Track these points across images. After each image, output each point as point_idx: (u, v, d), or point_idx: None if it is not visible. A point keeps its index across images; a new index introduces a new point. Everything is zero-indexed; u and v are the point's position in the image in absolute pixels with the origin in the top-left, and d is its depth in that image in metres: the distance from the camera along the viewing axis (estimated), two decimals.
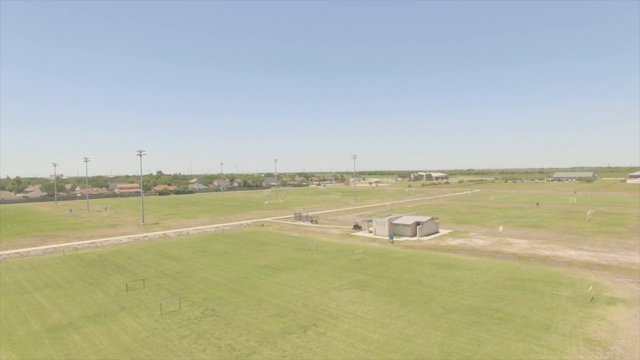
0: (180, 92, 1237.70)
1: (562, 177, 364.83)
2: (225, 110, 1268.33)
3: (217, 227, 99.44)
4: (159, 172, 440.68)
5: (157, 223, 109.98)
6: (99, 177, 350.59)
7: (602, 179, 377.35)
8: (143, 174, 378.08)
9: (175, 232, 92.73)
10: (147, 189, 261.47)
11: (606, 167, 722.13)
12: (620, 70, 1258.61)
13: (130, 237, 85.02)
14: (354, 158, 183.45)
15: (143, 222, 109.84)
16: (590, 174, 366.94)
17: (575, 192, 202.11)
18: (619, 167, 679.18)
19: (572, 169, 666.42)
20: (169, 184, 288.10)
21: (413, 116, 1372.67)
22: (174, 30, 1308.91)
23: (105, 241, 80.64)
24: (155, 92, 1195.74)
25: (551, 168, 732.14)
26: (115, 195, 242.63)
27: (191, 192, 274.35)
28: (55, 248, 74.13)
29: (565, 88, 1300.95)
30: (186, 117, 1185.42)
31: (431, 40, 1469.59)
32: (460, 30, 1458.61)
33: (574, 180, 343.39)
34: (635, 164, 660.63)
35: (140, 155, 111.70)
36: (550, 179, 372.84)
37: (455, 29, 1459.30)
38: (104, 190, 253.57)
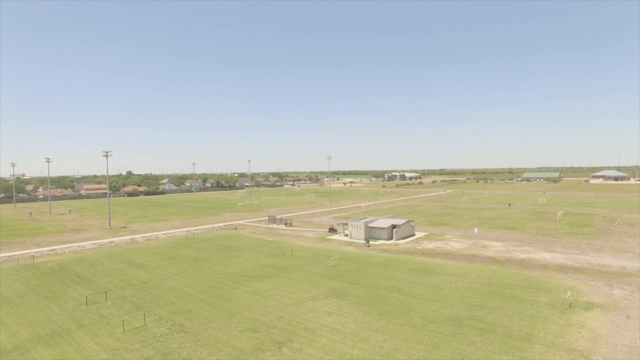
0: (152, 85, 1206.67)
1: (531, 178, 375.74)
2: (197, 107, 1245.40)
3: (187, 231, 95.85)
4: (129, 172, 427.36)
5: (124, 227, 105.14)
6: (64, 177, 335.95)
7: (567, 179, 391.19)
8: (112, 173, 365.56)
9: (143, 236, 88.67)
10: (115, 190, 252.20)
11: (570, 167, 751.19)
12: (584, 67, 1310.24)
13: (95, 243, 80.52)
14: (329, 159, 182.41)
15: (109, 225, 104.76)
16: (557, 174, 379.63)
17: (544, 193, 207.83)
18: (582, 168, 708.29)
19: (539, 169, 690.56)
20: (139, 185, 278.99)
21: (386, 115, 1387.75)
22: (142, 17, 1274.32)
23: (66, 248, 75.90)
24: (125, 84, 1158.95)
25: (519, 168, 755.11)
26: (81, 197, 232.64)
27: (162, 193, 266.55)
28: (8, 257, 68.95)
29: (529, 86, 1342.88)
30: (157, 113, 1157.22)
31: (402, 36, 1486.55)
32: (434, 26, 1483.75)
33: (542, 180, 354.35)
34: (595, 164, 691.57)
35: (107, 156, 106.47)
36: (519, 179, 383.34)
37: (427, 25, 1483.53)
38: (69, 191, 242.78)
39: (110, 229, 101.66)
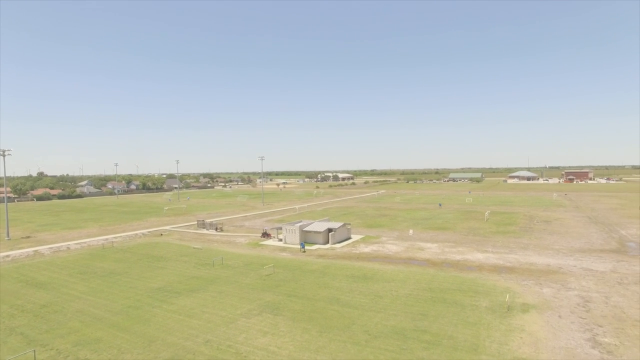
0: (69, 78, 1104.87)
1: (457, 178, 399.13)
2: (123, 103, 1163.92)
3: (106, 239, 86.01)
4: (40, 174, 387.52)
5: (28, 237, 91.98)
6: None
7: (488, 179, 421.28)
8: (19, 175, 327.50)
9: (50, 247, 77.64)
10: (22, 193, 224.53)
11: (489, 168, 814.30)
12: (498, 76, 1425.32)
13: None
14: (262, 159, 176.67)
15: (8, 236, 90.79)
16: (479, 175, 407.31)
17: (469, 192, 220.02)
18: (499, 168, 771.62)
19: (463, 170, 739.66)
20: (51, 188, 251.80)
21: (317, 116, 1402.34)
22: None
23: None
24: (36, 75, 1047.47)
25: (445, 168, 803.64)
26: None
27: (79, 196, 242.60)
28: None
29: (448, 92, 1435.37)
30: (76, 108, 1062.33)
31: (332, 39, 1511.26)
32: (362, 31, 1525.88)
33: (466, 180, 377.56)
34: (510, 165, 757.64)
35: (4, 156, 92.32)
36: (446, 179, 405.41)
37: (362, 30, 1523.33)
38: None
39: (9, 239, 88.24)
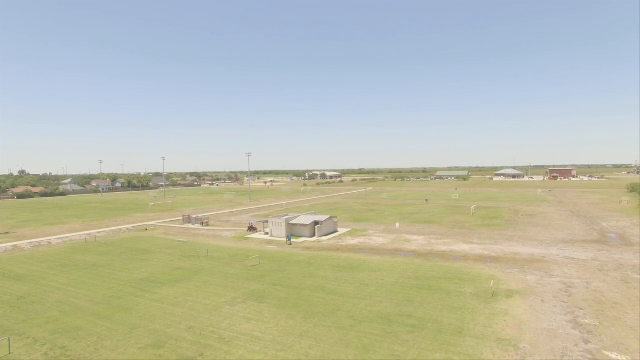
0: (50, 75, 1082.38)
1: (443, 176, 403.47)
2: (109, 102, 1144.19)
3: (89, 234, 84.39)
4: (22, 172, 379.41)
5: (7, 232, 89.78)
6: None
7: (475, 177, 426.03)
8: (1, 173, 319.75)
9: (30, 242, 75.90)
10: (1, 191, 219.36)
11: (475, 167, 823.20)
12: (484, 76, 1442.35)
13: None
14: (249, 156, 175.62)
15: None
16: (465, 173, 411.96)
17: (456, 189, 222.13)
18: (485, 167, 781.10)
19: (450, 169, 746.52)
20: (33, 185, 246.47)
21: (306, 116, 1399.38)
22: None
23: None
24: (16, 72, 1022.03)
25: (432, 167, 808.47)
26: None
27: (62, 194, 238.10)
28: None
29: (436, 92, 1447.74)
30: (59, 105, 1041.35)
31: (325, 37, 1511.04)
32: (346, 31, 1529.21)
33: (453, 178, 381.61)
34: (496, 164, 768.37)
35: None
36: (433, 177, 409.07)
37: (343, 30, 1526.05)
38: None
39: None
